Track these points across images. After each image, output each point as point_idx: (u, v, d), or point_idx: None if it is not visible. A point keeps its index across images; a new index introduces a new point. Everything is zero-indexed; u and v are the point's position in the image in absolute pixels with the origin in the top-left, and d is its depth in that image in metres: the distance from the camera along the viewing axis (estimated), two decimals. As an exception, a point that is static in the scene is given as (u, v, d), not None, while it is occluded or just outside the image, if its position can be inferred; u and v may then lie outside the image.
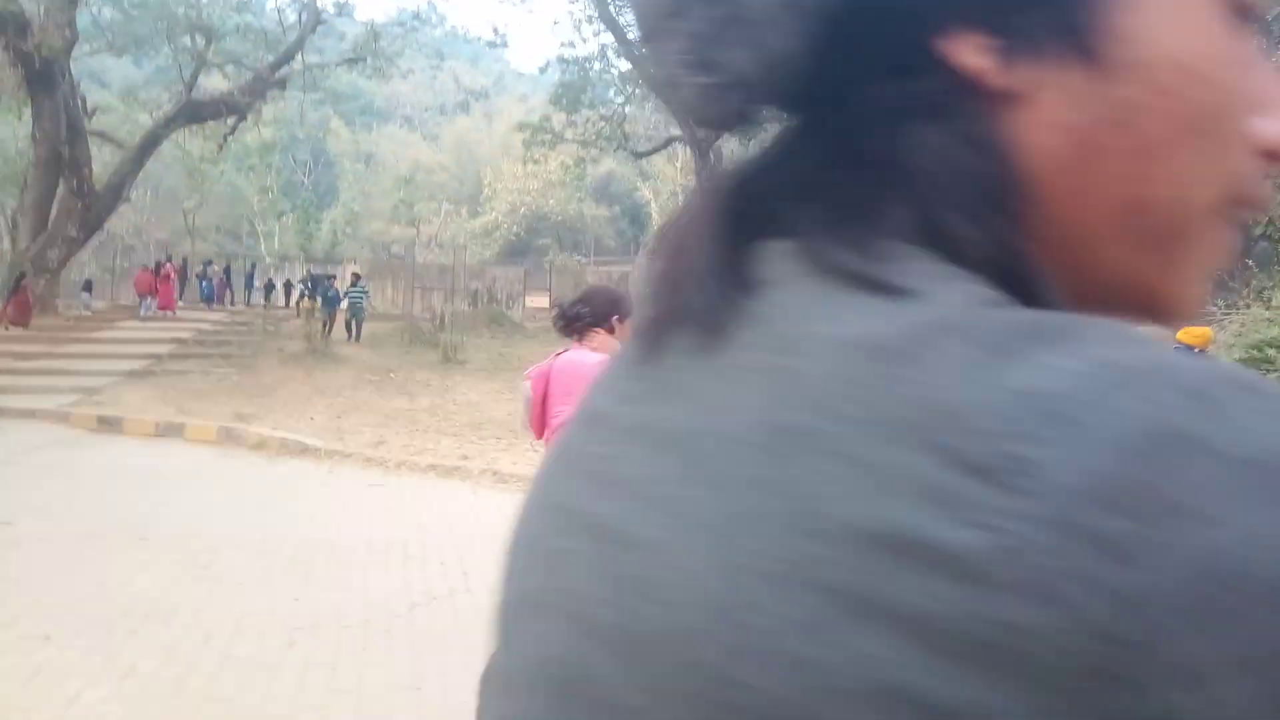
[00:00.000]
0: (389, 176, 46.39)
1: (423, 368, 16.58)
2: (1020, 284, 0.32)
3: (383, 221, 43.07)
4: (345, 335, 19.56)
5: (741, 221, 0.36)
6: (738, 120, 0.39)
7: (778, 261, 0.34)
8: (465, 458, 9.30)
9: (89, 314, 21.30)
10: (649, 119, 35.22)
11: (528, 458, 9.33)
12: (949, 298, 0.30)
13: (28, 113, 21.26)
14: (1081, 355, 0.27)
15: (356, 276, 21.79)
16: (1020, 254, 0.33)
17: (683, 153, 37.65)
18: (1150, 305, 0.37)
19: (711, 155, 27.21)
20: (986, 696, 0.24)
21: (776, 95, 0.37)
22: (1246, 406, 0.26)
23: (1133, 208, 0.34)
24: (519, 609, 0.40)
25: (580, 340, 3.07)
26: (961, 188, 0.33)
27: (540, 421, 3.09)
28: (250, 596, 4.86)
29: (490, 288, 32.48)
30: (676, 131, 28.93)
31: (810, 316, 0.31)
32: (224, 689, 3.69)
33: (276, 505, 7.18)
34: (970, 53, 0.33)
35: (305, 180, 48.98)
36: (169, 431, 10.34)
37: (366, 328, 20.28)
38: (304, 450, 9.53)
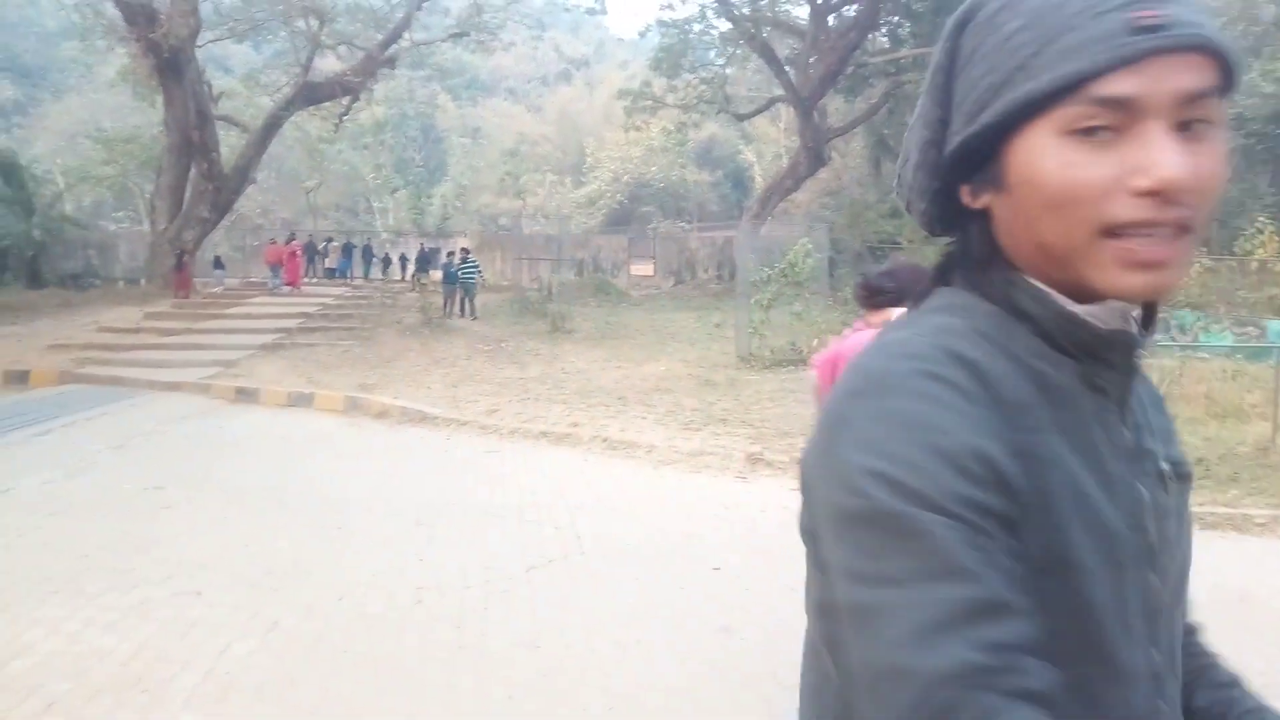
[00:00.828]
0: (495, 149, 47.19)
1: (532, 337, 16.94)
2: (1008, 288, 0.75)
3: (490, 194, 43.85)
4: (460, 312, 19.99)
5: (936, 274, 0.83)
6: (931, 230, 0.83)
7: (933, 298, 0.81)
8: (575, 425, 9.49)
9: (223, 290, 22.54)
10: (750, 80, 34.58)
11: (636, 425, 9.46)
12: (943, 311, 0.77)
13: (160, 100, 22.55)
14: (887, 332, 0.78)
15: (465, 252, 21.75)
16: (1007, 275, 0.75)
17: (785, 113, 36.83)
18: (1081, 288, 0.71)
19: (815, 115, 26.53)
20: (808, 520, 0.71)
21: (931, 223, 0.82)
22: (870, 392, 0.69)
23: (1040, 247, 0.71)
24: None
25: (874, 315, 2.89)
26: (980, 254, 0.77)
27: None
28: (379, 557, 5.13)
29: (595, 257, 32.75)
30: (779, 91, 28.39)
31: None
32: (357, 644, 3.92)
33: (400, 471, 7.52)
34: (964, 194, 0.76)
35: (416, 156, 50.31)
36: (299, 401, 10.93)
37: (478, 300, 20.60)
38: (423, 418, 9.92)
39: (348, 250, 29.72)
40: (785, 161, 35.08)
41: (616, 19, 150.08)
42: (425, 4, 25.77)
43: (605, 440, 8.87)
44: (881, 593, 0.60)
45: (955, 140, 0.74)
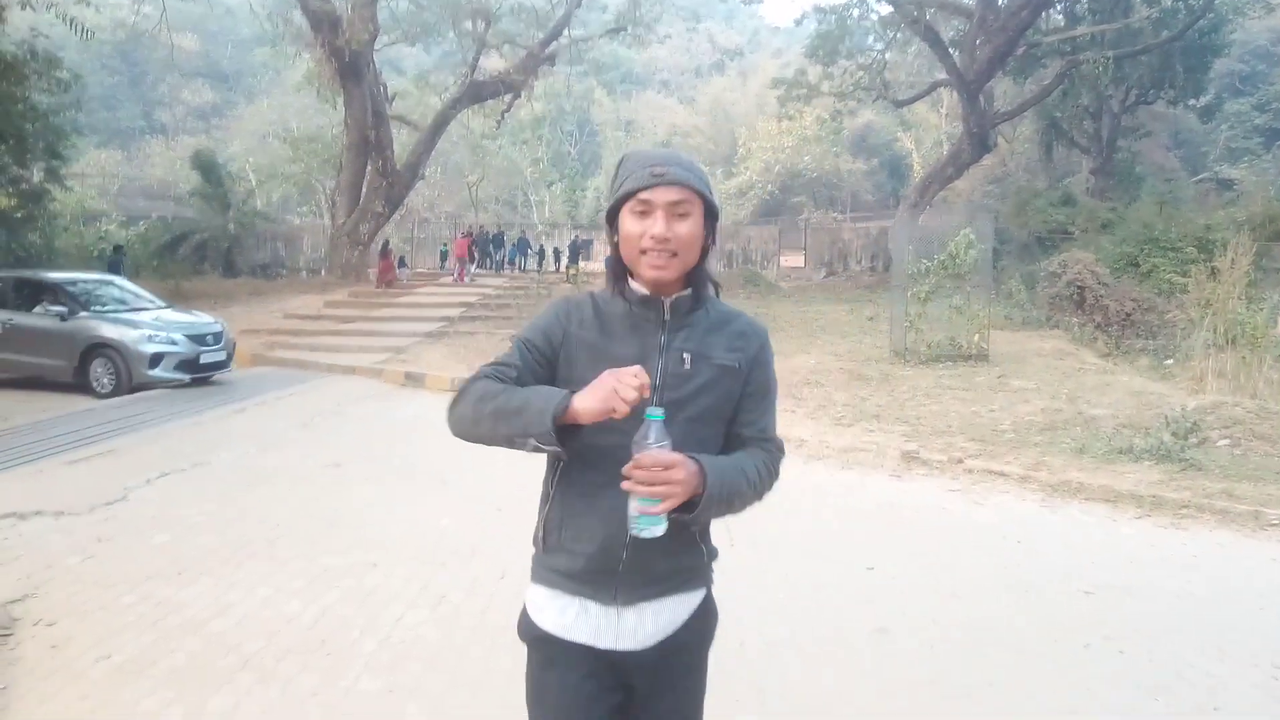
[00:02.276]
0: (648, 142, 47.67)
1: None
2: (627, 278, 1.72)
3: (642, 186, 44.41)
4: None
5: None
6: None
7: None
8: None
9: (407, 281, 24.09)
10: (911, 64, 33.40)
11: (785, 419, 9.36)
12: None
13: (340, 102, 24.08)
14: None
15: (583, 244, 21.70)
16: (624, 270, 1.68)
17: (948, 98, 35.34)
18: (639, 279, 1.65)
19: (981, 99, 25.32)
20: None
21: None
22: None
23: (627, 260, 1.66)
24: None
25: None
26: (617, 263, 1.68)
27: None
28: (536, 540, 5.32)
29: (744, 248, 32.55)
30: (942, 76, 27.26)
31: None
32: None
33: (554, 457, 7.76)
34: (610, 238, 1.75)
35: (572, 150, 51.58)
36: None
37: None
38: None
39: (498, 242, 30.76)
40: (946, 148, 33.68)
41: (771, 7, 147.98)
42: (584, 1, 26.34)
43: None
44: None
45: (606, 211, 1.69)
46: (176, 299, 20.76)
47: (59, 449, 7.47)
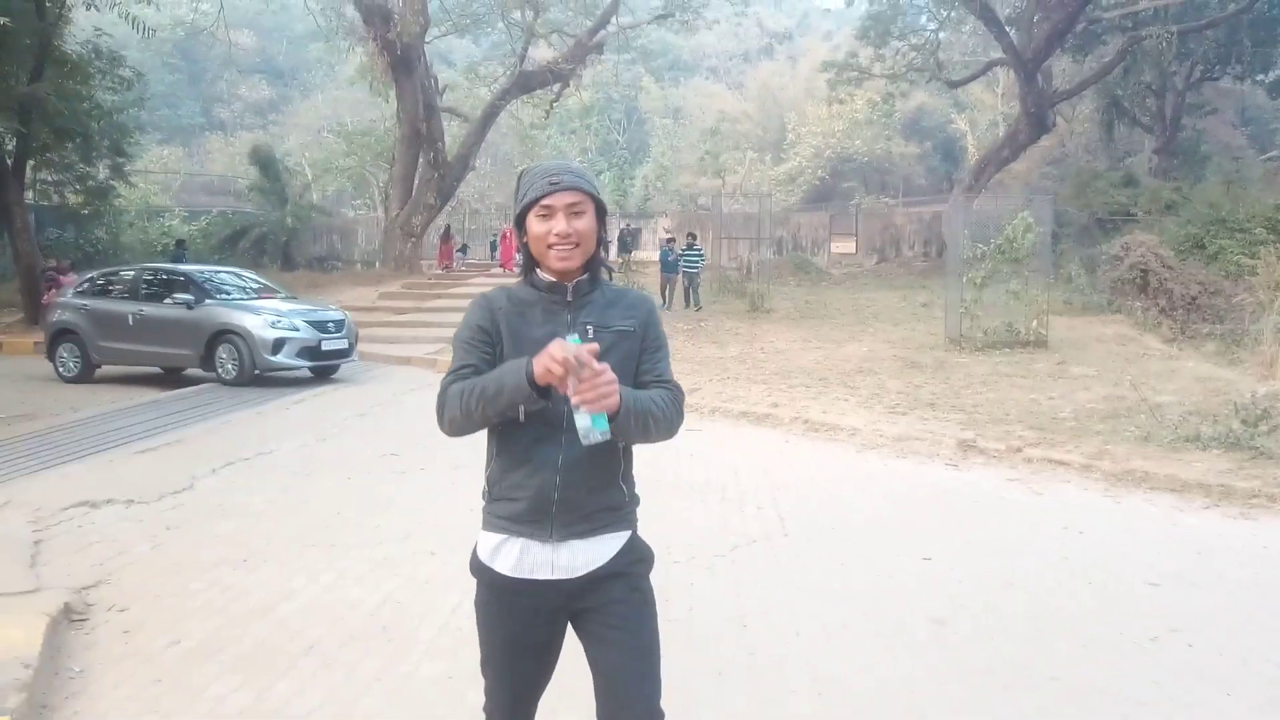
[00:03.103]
0: (695, 129, 47.41)
1: (731, 316, 16.99)
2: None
3: (690, 174, 44.15)
4: (683, 303, 18.52)
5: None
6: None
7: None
8: (775, 405, 9.46)
9: (460, 269, 24.61)
10: (965, 44, 32.66)
11: (838, 407, 9.29)
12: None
13: (392, 95, 24.39)
14: None
15: (692, 238, 19.68)
16: (534, 265, 2.00)
17: (1005, 77, 34.49)
18: (546, 269, 1.98)
19: (1039, 77, 24.67)
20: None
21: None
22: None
23: (536, 255, 1.98)
24: None
25: None
26: (528, 261, 2.02)
27: None
28: (589, 528, 5.36)
29: (795, 235, 32.25)
30: (998, 54, 26.63)
31: None
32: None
33: (606, 446, 7.80)
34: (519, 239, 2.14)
35: (620, 138, 51.56)
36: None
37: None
38: (627, 395, 10.21)
39: None
40: (1002, 129, 32.93)
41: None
42: (631, -13, 26.25)
43: (806, 422, 8.78)
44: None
45: (515, 217, 2.03)
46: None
47: (128, 439, 7.73)
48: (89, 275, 13.05)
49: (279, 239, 27.81)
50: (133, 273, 12.56)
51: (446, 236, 26.19)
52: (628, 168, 46.19)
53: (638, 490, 2.10)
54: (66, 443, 7.50)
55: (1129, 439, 7.65)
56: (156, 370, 12.24)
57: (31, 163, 18.78)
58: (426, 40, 23.87)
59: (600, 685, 2.00)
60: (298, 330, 11.21)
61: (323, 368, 11.74)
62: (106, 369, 12.09)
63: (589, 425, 1.79)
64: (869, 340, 13.90)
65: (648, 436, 1.92)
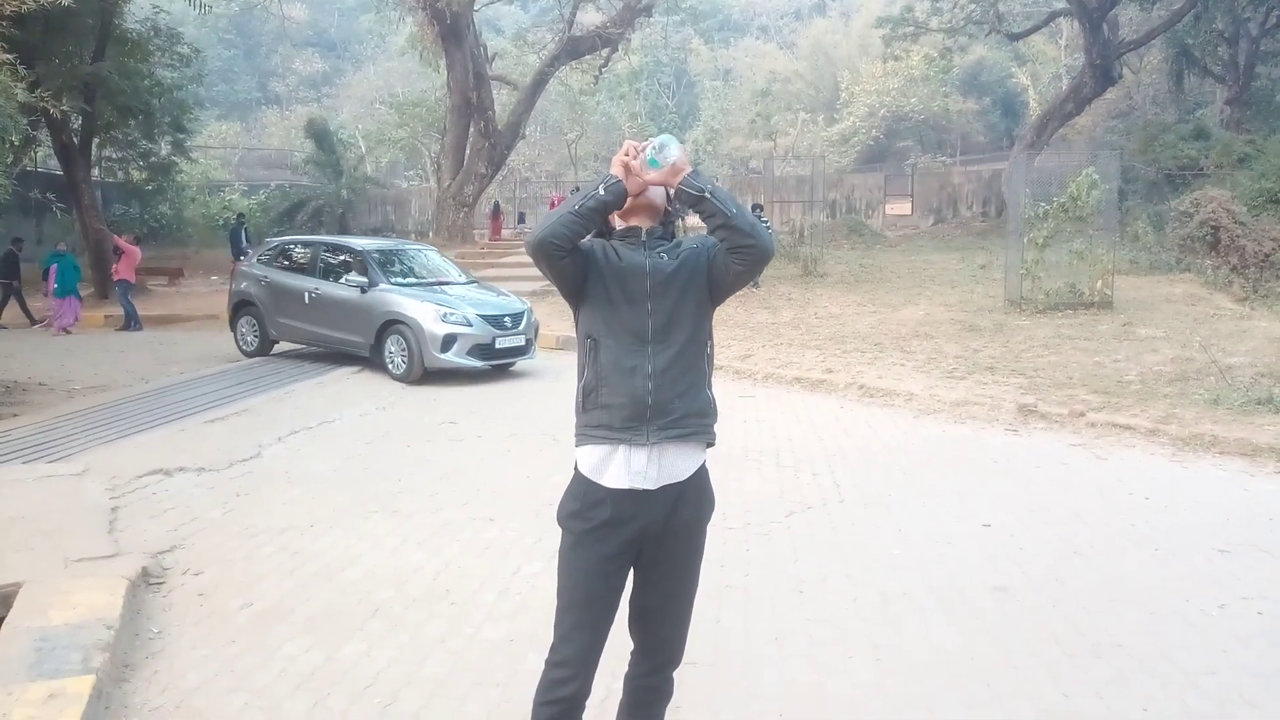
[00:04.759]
0: (746, 90, 46.64)
1: (784, 281, 16.80)
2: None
3: (740, 137, 43.49)
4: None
5: None
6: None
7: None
8: (830, 371, 9.37)
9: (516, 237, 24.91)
10: (1027, -6, 31.48)
11: (894, 372, 9.17)
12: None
13: (442, 65, 24.43)
14: None
15: (758, 209, 18.11)
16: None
17: (1068, 28, 33.21)
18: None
19: (1105, 27, 23.71)
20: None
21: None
22: None
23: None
24: None
25: None
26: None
27: None
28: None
29: (848, 197, 31.68)
30: (1061, 4, 25.61)
31: None
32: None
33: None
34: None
35: (669, 103, 50.98)
36: (567, 345, 11.63)
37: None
38: (680, 362, 10.19)
39: None
40: (1066, 83, 31.81)
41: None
42: (681, -53, 25.80)
43: (861, 387, 8.70)
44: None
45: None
46: (295, 264, 21.78)
47: (198, 409, 7.97)
48: (273, 241, 12.19)
49: (335, 211, 28.22)
50: (312, 245, 11.48)
51: (496, 213, 26.30)
52: (677, 132, 45.73)
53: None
54: (139, 413, 7.77)
55: (1198, 402, 7.42)
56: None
57: (97, 140, 19.27)
58: (475, 8, 23.80)
59: (638, 617, 2.29)
60: (470, 325, 9.57)
61: (496, 366, 10.05)
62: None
63: (656, 146, 2.17)
64: (925, 304, 13.65)
65: (730, 215, 2.12)
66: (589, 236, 2.23)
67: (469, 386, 9.19)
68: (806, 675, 3.23)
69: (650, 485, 2.16)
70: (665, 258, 2.21)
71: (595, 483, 2.18)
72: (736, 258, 2.14)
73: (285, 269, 11.15)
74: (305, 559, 4.37)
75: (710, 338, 2.30)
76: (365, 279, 10.16)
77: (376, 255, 10.63)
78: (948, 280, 16.31)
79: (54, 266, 14.11)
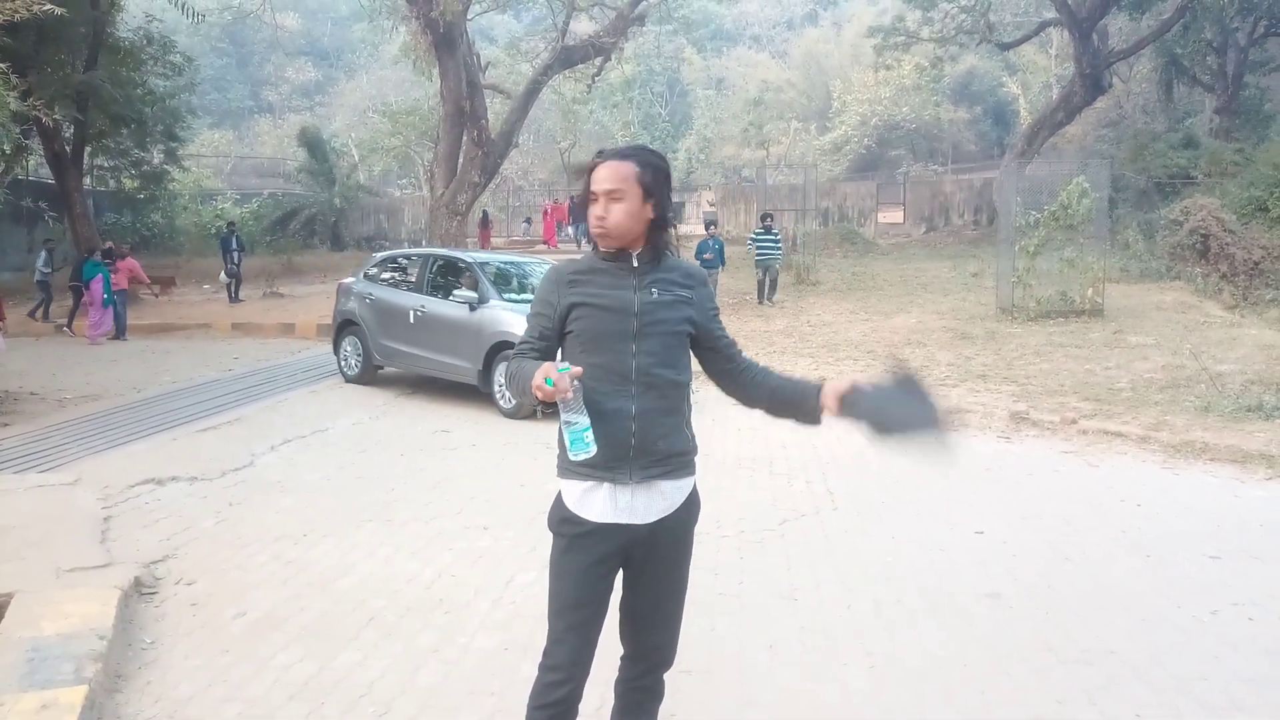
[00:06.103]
0: (739, 100, 46.76)
1: (776, 289, 16.80)
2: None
3: (733, 145, 43.62)
4: (759, 298, 15.87)
5: None
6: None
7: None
8: (823, 379, 9.35)
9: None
10: (1017, 4, 31.70)
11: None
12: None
13: (436, 73, 24.46)
14: None
15: (767, 220, 16.39)
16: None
17: (1058, 37, 33.46)
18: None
19: (1094, 37, 23.87)
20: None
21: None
22: None
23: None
24: None
25: None
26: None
27: None
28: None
29: (841, 205, 31.78)
30: (1051, 14, 25.78)
31: None
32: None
33: (653, 421, 7.82)
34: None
35: (662, 111, 51.08)
36: (559, 352, 11.62)
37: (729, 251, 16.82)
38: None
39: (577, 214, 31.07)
40: (1056, 92, 32.00)
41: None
42: (673, -43, 25.90)
43: (856, 395, 8.70)
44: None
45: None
46: (289, 273, 21.75)
47: (190, 418, 7.95)
48: (379, 255, 11.08)
49: (328, 219, 28.20)
50: (420, 258, 10.12)
51: (485, 222, 26.28)
52: (670, 140, 45.86)
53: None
54: (131, 422, 7.74)
55: (1189, 409, 7.47)
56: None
57: (89, 149, 19.25)
58: (468, 17, 23.84)
59: (628, 621, 2.31)
60: None
61: None
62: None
63: (568, 444, 2.04)
64: (918, 311, 13.70)
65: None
66: (573, 271, 2.23)
67: (461, 396, 9.18)
68: (800, 683, 3.24)
69: (639, 520, 2.17)
70: (655, 293, 2.17)
71: (579, 516, 2.18)
72: (718, 382, 2.41)
73: (391, 285, 9.97)
74: (298, 568, 4.36)
75: (693, 379, 2.30)
76: (475, 294, 8.85)
77: (490, 268, 9.38)
78: (940, 288, 16.37)
79: (99, 276, 14.10)
